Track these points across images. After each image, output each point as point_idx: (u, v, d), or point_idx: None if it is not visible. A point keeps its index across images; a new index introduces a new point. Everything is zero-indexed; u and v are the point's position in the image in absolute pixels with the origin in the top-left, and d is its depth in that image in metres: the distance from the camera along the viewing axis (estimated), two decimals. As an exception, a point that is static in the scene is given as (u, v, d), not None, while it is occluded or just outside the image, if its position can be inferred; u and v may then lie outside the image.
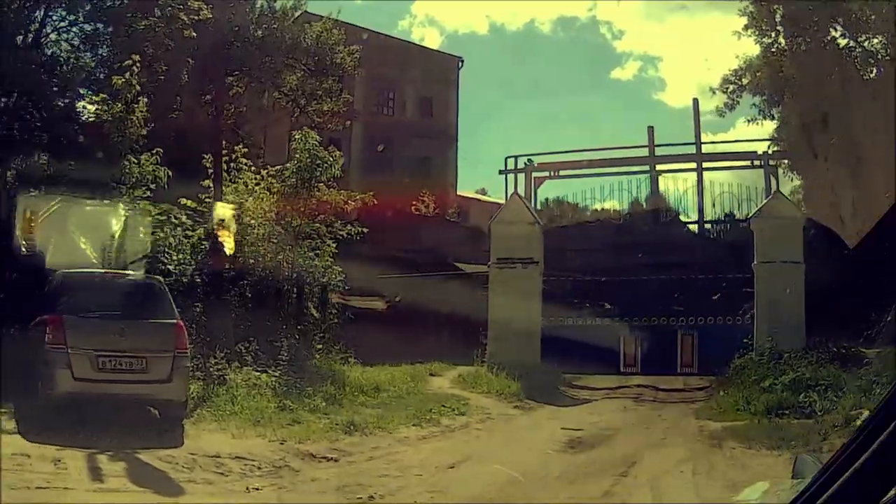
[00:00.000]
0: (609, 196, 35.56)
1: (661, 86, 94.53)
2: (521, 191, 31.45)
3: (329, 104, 27.55)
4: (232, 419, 14.25)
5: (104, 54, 23.50)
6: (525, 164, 29.70)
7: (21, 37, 22.05)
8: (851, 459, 1.93)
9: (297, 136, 20.97)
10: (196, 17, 20.81)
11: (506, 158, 29.71)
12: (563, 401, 21.64)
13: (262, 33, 25.24)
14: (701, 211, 34.06)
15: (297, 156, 20.47)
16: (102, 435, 11.65)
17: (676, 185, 34.23)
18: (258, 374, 16.58)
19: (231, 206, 18.39)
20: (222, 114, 20.98)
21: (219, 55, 22.76)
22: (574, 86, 78.71)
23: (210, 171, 19.57)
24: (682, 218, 35.41)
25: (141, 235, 16.99)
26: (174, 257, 17.86)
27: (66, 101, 21.81)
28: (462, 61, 43.01)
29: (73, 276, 13.94)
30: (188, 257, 18.23)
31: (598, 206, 37.86)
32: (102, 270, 14.36)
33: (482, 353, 23.51)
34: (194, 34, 20.73)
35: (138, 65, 18.46)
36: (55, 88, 21.08)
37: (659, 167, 36.05)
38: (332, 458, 12.76)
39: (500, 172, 29.57)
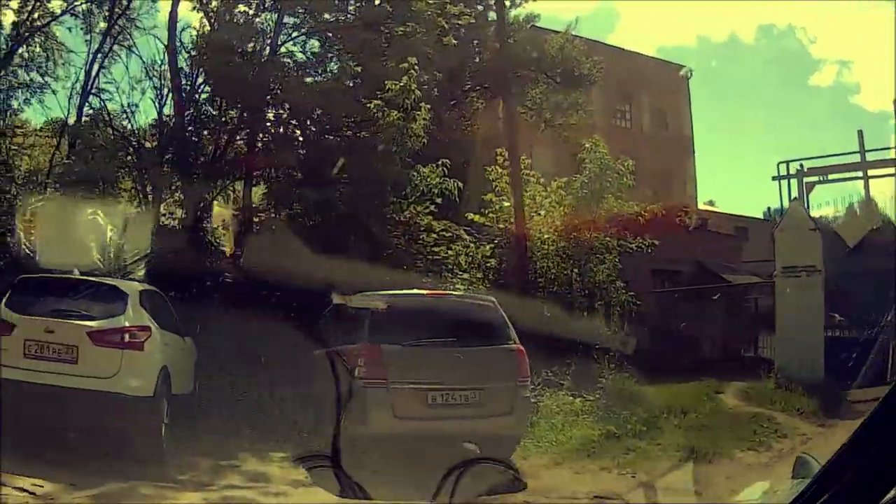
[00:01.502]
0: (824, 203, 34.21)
1: (856, 89, 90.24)
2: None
3: (575, 117, 26.49)
4: (559, 450, 12.73)
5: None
6: (797, 169, 28.13)
7: (254, 46, 21.15)
8: (851, 459, 1.91)
9: (586, 146, 19.46)
10: (458, 23, 19.79)
11: (778, 164, 28.61)
12: (854, 417, 19.47)
13: (501, 45, 24.36)
14: (905, 215, 32.08)
15: (588, 166, 18.96)
16: (421, 481, 10.06)
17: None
18: (571, 398, 15.10)
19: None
20: (515, 125, 19.67)
21: (464, 66, 21.89)
22: (778, 92, 75.80)
23: (494, 183, 18.36)
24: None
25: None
26: (463, 276, 16.56)
27: (321, 111, 20.56)
28: (691, 71, 41.30)
29: (385, 299, 11.96)
30: (477, 275, 16.90)
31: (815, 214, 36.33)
32: (418, 291, 12.87)
33: (767, 367, 21.49)
34: (454, 41, 19.66)
35: (416, 68, 17.25)
36: (308, 100, 20.03)
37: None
38: (696, 492, 11.05)
39: (774, 178, 28.43)
